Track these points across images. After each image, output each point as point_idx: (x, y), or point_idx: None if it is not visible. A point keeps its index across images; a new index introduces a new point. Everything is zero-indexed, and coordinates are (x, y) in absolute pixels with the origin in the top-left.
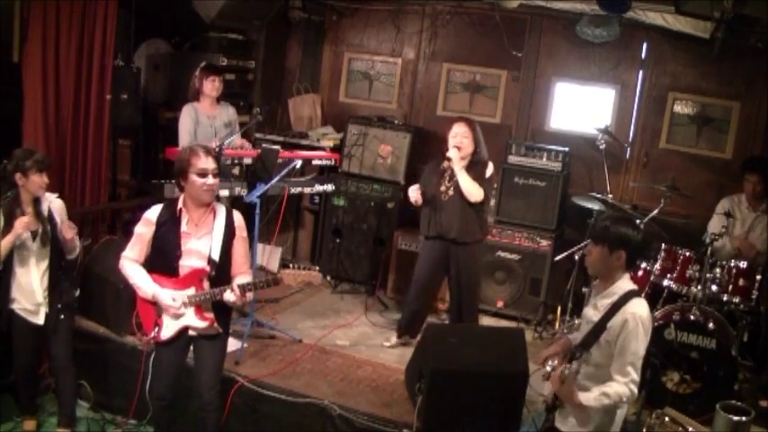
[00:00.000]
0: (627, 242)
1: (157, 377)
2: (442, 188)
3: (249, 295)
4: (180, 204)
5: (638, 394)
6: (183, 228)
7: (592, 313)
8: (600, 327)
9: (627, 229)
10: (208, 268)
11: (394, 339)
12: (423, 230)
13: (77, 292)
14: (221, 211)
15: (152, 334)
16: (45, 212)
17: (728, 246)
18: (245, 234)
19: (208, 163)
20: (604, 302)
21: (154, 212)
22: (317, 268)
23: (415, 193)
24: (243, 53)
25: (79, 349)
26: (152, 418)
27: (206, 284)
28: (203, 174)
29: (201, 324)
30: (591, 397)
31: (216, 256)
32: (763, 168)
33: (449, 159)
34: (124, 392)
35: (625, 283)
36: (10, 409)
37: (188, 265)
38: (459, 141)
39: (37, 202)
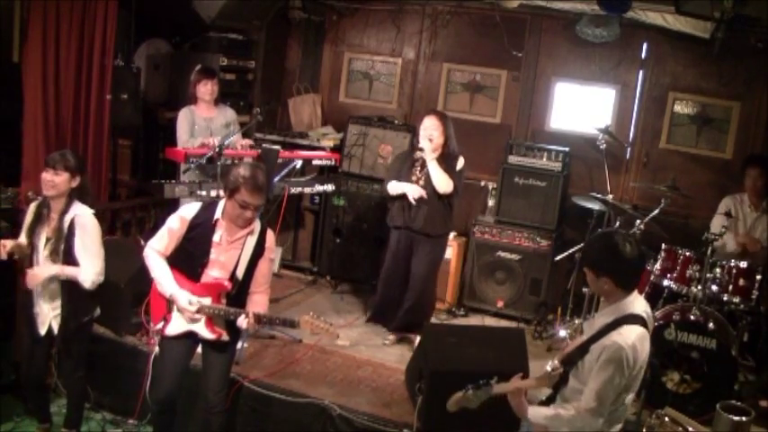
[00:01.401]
0: (609, 267)
1: (158, 377)
2: (413, 178)
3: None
4: (218, 215)
5: (639, 394)
6: (216, 238)
7: (588, 329)
8: (585, 346)
9: (608, 251)
10: (229, 286)
11: (392, 337)
12: (390, 220)
13: (96, 312)
14: (256, 228)
15: (158, 326)
16: (66, 224)
17: (730, 243)
18: (273, 255)
19: (253, 199)
20: (601, 321)
21: (190, 211)
22: (339, 332)
23: (417, 192)
24: (243, 53)
25: None
26: (151, 421)
27: (223, 300)
28: (244, 206)
29: (210, 336)
30: (542, 414)
31: (240, 275)
32: (764, 163)
33: (421, 150)
34: (124, 392)
35: (628, 305)
36: (10, 409)
37: (210, 275)
38: (429, 134)
39: (66, 209)
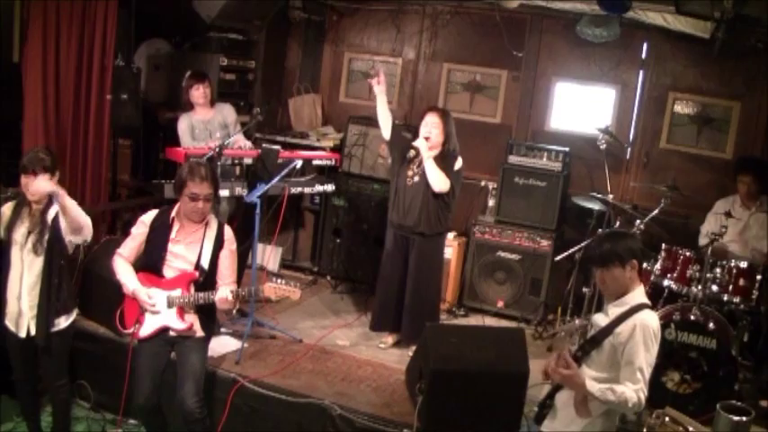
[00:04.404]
0: (635, 251)
1: (137, 379)
2: (409, 173)
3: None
4: (173, 213)
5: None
6: (173, 235)
7: (602, 319)
8: (607, 331)
9: (626, 240)
10: (196, 274)
11: (390, 340)
12: (388, 217)
13: (75, 314)
14: (213, 223)
15: (131, 330)
16: (50, 217)
17: (731, 246)
18: (233, 248)
19: (201, 188)
20: (616, 310)
21: (149, 216)
22: (298, 285)
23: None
24: (243, 53)
25: (79, 349)
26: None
27: (192, 289)
28: (194, 198)
29: (180, 325)
30: (597, 387)
31: (205, 264)
32: (755, 168)
33: (415, 150)
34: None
35: (639, 295)
36: (10, 409)
37: (174, 268)
38: (428, 131)
39: (48, 206)
